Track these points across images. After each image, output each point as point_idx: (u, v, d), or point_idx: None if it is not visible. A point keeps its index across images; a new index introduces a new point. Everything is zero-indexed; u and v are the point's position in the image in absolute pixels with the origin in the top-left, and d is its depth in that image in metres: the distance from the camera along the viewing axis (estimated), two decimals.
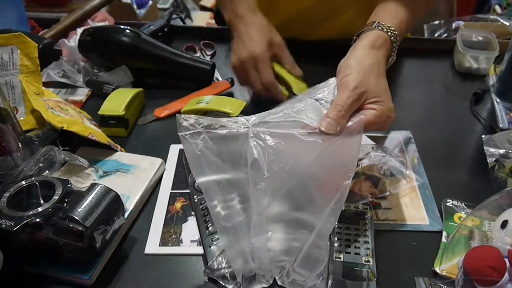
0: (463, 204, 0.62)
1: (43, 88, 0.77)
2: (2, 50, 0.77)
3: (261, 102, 0.77)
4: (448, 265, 0.54)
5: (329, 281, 0.52)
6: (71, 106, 0.77)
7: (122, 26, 0.89)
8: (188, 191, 0.64)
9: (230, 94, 0.87)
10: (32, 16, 1.09)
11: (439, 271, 0.54)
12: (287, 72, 0.79)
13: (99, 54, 0.89)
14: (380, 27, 0.60)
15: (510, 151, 0.67)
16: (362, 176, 0.68)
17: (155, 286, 0.54)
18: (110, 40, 0.88)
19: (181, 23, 1.24)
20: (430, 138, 0.77)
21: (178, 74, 0.89)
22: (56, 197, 0.54)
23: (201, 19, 2.73)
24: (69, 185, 0.56)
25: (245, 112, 0.72)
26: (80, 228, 0.50)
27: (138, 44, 0.87)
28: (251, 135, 0.51)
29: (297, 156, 0.51)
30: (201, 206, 0.60)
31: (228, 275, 0.52)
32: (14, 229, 0.50)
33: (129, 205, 0.61)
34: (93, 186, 0.55)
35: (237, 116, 0.76)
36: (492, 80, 0.91)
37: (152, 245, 0.58)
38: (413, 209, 0.63)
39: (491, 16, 1.34)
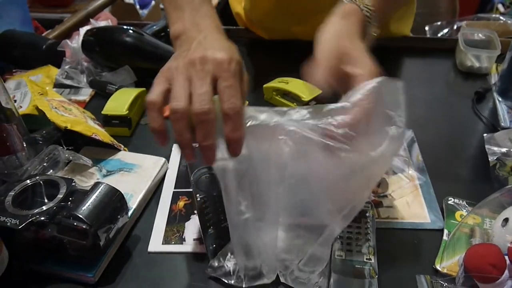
0: (464, 202, 0.62)
1: (47, 88, 0.78)
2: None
3: None
4: (449, 262, 0.54)
5: (331, 279, 0.52)
6: (74, 106, 0.77)
7: (125, 27, 0.90)
8: (191, 189, 0.64)
9: None
10: (35, 17, 1.10)
11: (440, 269, 0.54)
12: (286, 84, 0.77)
13: (102, 54, 0.89)
14: (351, 2, 0.59)
15: (511, 150, 0.67)
16: None
17: (158, 284, 0.55)
18: (113, 40, 0.88)
19: None
20: (431, 137, 0.77)
21: None
22: (60, 196, 0.55)
23: None
24: (73, 184, 0.57)
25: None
26: (84, 227, 0.51)
27: (141, 44, 0.88)
28: (283, 132, 0.48)
29: (325, 168, 0.49)
30: (203, 205, 0.60)
31: (230, 271, 0.53)
32: (19, 227, 0.51)
33: (133, 203, 0.62)
34: (97, 185, 0.55)
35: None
36: (494, 79, 0.91)
37: (155, 244, 0.59)
38: (415, 207, 0.63)
39: (494, 15, 1.34)
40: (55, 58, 0.90)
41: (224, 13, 1.12)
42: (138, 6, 2.24)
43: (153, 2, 2.43)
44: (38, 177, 0.58)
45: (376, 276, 0.52)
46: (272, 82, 0.84)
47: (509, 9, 2.41)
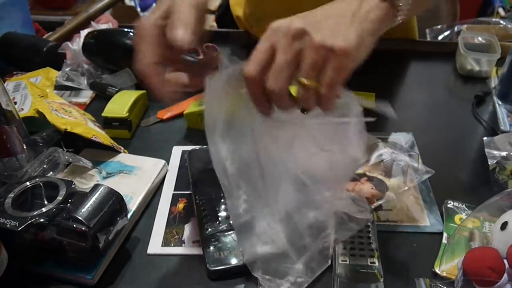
0: (464, 206, 0.62)
1: (47, 90, 0.78)
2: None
3: None
4: (448, 266, 0.54)
5: (337, 285, 0.52)
6: (75, 108, 0.77)
7: (125, 29, 0.90)
8: (190, 192, 0.65)
9: None
10: (37, 19, 1.10)
11: (439, 272, 0.54)
12: None
13: (103, 56, 0.90)
14: None
15: (511, 153, 0.67)
16: (363, 177, 0.68)
17: (157, 286, 0.55)
18: (113, 42, 0.88)
19: None
20: (431, 140, 0.77)
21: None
22: (60, 198, 0.55)
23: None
24: (72, 186, 0.57)
25: None
26: (83, 228, 0.51)
27: None
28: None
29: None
30: (202, 207, 0.60)
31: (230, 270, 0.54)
32: (19, 229, 0.51)
33: (132, 205, 0.62)
34: (96, 187, 0.55)
35: None
36: (493, 82, 0.91)
37: (155, 246, 0.59)
38: (414, 210, 0.63)
39: (494, 19, 1.34)
40: (56, 60, 0.91)
41: (225, 16, 1.12)
42: (139, 9, 2.25)
43: (154, 5, 2.44)
44: (37, 179, 0.58)
45: (382, 279, 0.52)
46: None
47: (510, 13, 2.41)
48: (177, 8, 0.49)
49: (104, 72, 0.91)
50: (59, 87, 0.88)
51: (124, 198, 0.57)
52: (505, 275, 0.46)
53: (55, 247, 0.53)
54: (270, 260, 0.54)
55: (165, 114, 0.83)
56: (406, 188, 0.67)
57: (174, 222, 0.62)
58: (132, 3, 2.19)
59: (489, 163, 0.67)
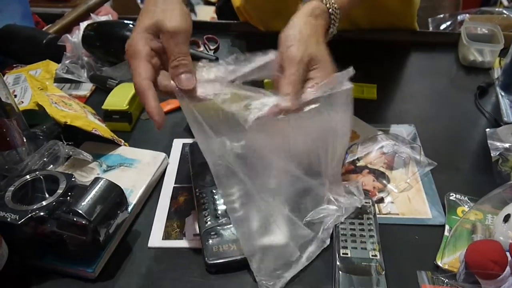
0: (466, 198, 0.62)
1: (47, 83, 0.78)
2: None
3: None
4: (451, 258, 0.54)
5: (338, 278, 0.52)
6: (75, 101, 0.77)
7: (125, 21, 0.89)
8: (191, 185, 0.64)
9: None
10: (36, 11, 1.10)
11: (441, 265, 0.54)
12: None
13: (103, 49, 0.89)
14: None
15: None
16: (365, 170, 0.68)
17: (158, 279, 0.55)
18: (113, 35, 0.88)
19: None
20: (433, 132, 0.76)
21: None
22: (60, 191, 0.54)
23: (205, 13, 2.73)
24: (73, 179, 0.56)
25: None
26: (83, 222, 0.50)
27: None
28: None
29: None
30: (201, 200, 0.60)
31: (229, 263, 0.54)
32: (19, 222, 0.51)
33: (133, 199, 0.62)
34: (96, 180, 0.55)
35: None
36: (496, 73, 0.90)
37: (155, 239, 0.59)
38: (416, 203, 0.63)
39: (497, 9, 1.33)
40: (56, 52, 0.90)
41: (226, 7, 1.11)
42: (139, 0, 2.23)
43: None
44: (38, 172, 0.58)
45: (384, 272, 0.52)
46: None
47: None
48: (169, 33, 0.52)
49: (104, 65, 0.90)
50: (59, 80, 0.88)
51: (125, 191, 0.56)
52: (508, 268, 0.46)
53: (55, 240, 0.53)
54: (269, 251, 0.54)
55: (166, 106, 0.82)
56: (408, 180, 0.66)
57: (175, 215, 0.62)
58: None
59: (491, 154, 0.67)
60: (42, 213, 0.52)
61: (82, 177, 0.65)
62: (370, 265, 0.53)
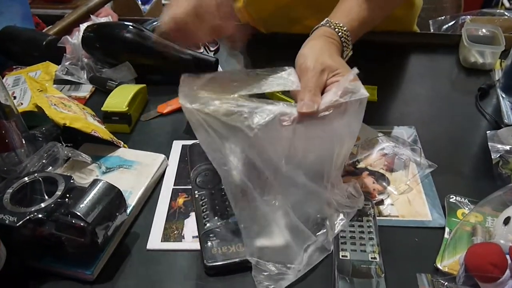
0: (466, 200, 0.62)
1: (47, 84, 0.78)
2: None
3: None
4: (450, 261, 0.54)
5: (338, 280, 0.51)
6: (74, 102, 0.77)
7: (125, 23, 0.89)
8: (190, 187, 0.64)
9: None
10: (36, 13, 1.10)
11: (441, 267, 0.54)
12: None
13: (103, 50, 0.89)
14: (328, 24, 0.63)
15: None
16: (365, 172, 0.68)
17: (156, 281, 0.54)
18: (113, 36, 0.88)
19: None
20: (434, 133, 0.76)
21: (181, 70, 0.89)
22: (58, 193, 0.54)
23: None
24: (71, 181, 0.56)
25: None
26: (82, 224, 0.50)
27: (141, 40, 0.87)
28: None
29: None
30: (201, 202, 0.60)
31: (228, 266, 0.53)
32: (17, 224, 0.51)
33: (132, 201, 0.62)
34: (95, 182, 0.55)
35: None
36: (497, 75, 0.90)
37: (154, 241, 0.59)
38: (416, 205, 0.63)
39: (498, 11, 1.33)
40: (55, 54, 0.90)
41: None
42: (139, 2, 2.24)
43: None
44: (36, 174, 0.58)
45: (383, 275, 0.51)
46: None
47: None
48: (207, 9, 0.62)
49: (104, 66, 0.90)
50: (58, 81, 0.88)
51: (124, 193, 0.56)
52: (508, 271, 0.45)
53: (54, 242, 0.53)
54: (271, 253, 0.54)
55: (165, 108, 0.82)
56: (408, 182, 0.66)
57: (174, 217, 0.62)
58: None
59: (492, 157, 0.66)
60: (40, 215, 0.51)
61: (81, 179, 0.65)
62: (370, 268, 0.52)
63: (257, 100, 0.53)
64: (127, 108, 0.76)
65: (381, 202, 0.63)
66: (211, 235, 0.56)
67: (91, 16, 0.99)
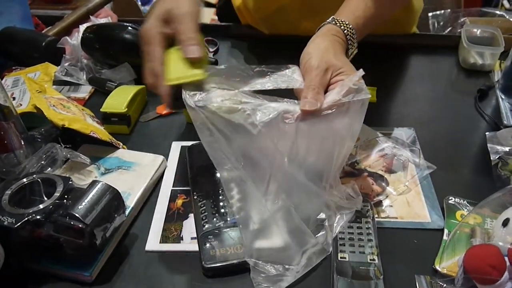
0: (465, 202, 0.62)
1: (46, 85, 0.78)
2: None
3: None
4: (449, 263, 0.54)
5: (336, 282, 0.51)
6: (73, 103, 0.77)
7: (124, 24, 0.89)
8: (189, 188, 0.64)
9: None
10: (36, 14, 1.10)
11: (439, 269, 0.54)
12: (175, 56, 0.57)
13: (102, 51, 0.89)
14: (334, 22, 0.63)
15: None
16: (364, 173, 0.68)
17: (155, 283, 0.54)
18: (112, 37, 0.88)
19: None
20: (433, 135, 0.76)
21: None
22: (57, 194, 0.54)
23: (205, 15, 2.72)
24: (70, 182, 0.56)
25: None
26: (80, 225, 0.50)
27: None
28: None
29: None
30: (199, 203, 0.60)
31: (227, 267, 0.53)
32: (15, 226, 0.50)
33: (130, 202, 0.61)
34: (93, 183, 0.55)
35: None
36: (497, 76, 0.90)
37: (153, 242, 0.59)
38: (415, 206, 0.63)
39: (498, 11, 1.33)
40: (55, 55, 0.90)
41: (226, 8, 1.11)
42: (139, 3, 2.24)
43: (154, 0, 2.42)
44: (35, 175, 0.58)
45: (382, 277, 0.51)
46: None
47: None
48: (178, 17, 0.57)
49: (103, 67, 0.90)
50: (58, 82, 0.88)
51: (122, 195, 0.56)
52: (506, 273, 0.45)
53: (52, 244, 0.53)
54: (270, 254, 0.54)
55: (165, 109, 0.82)
56: (407, 183, 0.66)
57: (173, 218, 0.62)
58: None
59: (491, 158, 0.66)
60: (38, 217, 0.51)
61: (80, 180, 0.65)
62: (368, 269, 0.52)
63: (261, 97, 0.53)
64: (126, 109, 0.76)
65: (379, 203, 0.63)
66: (209, 236, 0.56)
67: (91, 17, 0.99)
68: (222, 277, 0.54)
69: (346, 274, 0.52)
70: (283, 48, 1.00)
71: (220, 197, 0.60)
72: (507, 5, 2.42)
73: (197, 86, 0.53)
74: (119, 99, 0.78)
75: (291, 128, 0.52)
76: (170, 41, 0.58)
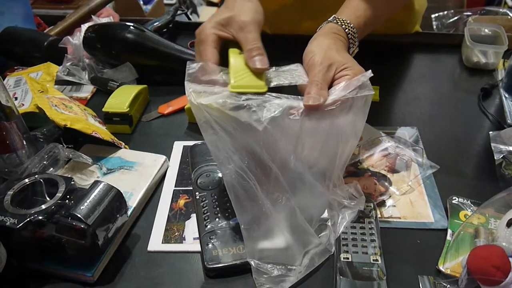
0: (469, 202, 0.61)
1: (48, 85, 0.77)
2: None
3: None
4: (453, 263, 0.54)
5: (339, 283, 0.51)
6: (75, 103, 0.77)
7: (126, 23, 0.89)
8: (192, 188, 0.64)
9: None
10: (38, 13, 1.10)
11: (443, 270, 0.53)
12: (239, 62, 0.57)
13: (104, 51, 0.89)
14: (335, 21, 0.63)
15: None
16: (366, 172, 0.67)
17: (157, 283, 0.54)
18: (114, 37, 0.88)
19: (186, 19, 1.23)
20: (436, 134, 0.76)
21: (182, 71, 0.89)
22: (59, 195, 0.54)
23: (208, 14, 2.71)
24: (72, 182, 0.56)
25: None
26: (82, 226, 0.50)
27: (142, 41, 0.87)
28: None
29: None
30: (202, 203, 0.60)
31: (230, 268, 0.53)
32: (18, 226, 0.50)
33: (132, 202, 0.61)
34: (95, 183, 0.55)
35: None
36: (500, 75, 0.89)
37: (155, 243, 0.58)
38: (418, 206, 0.62)
39: (502, 10, 1.32)
40: (57, 55, 0.90)
41: None
42: (141, 2, 2.24)
43: None
44: (37, 176, 0.57)
45: (385, 277, 0.51)
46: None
47: None
48: (242, 24, 0.58)
49: (105, 67, 0.90)
50: (60, 82, 0.88)
51: (125, 195, 0.56)
52: (511, 274, 0.45)
53: (54, 244, 0.53)
54: (273, 255, 0.53)
55: (166, 109, 0.82)
56: (410, 183, 0.66)
57: (175, 218, 0.61)
58: None
59: (495, 157, 0.66)
60: (40, 217, 0.51)
61: (82, 180, 0.65)
62: (372, 270, 0.52)
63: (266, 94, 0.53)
64: (128, 108, 0.76)
65: (383, 203, 0.63)
66: (212, 236, 0.56)
67: (93, 16, 0.99)
68: (224, 278, 0.54)
69: (349, 275, 0.52)
70: (286, 48, 1.00)
71: (222, 197, 0.60)
72: (510, 3, 2.41)
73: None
74: (121, 99, 0.77)
75: (295, 124, 0.52)
76: (224, 44, 0.59)
